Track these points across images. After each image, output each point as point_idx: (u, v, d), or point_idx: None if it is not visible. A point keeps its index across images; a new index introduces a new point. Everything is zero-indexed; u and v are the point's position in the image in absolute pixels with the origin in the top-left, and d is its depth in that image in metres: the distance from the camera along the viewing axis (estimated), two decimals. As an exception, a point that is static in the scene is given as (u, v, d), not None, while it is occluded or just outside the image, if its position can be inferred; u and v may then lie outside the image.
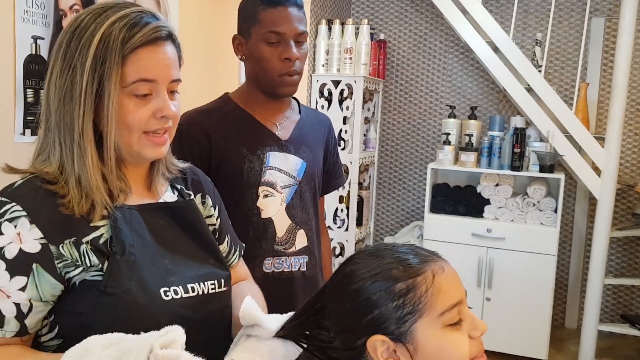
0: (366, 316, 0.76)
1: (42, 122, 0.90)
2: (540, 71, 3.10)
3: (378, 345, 0.75)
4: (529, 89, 3.06)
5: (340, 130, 3.17)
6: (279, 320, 0.89)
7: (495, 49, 3.10)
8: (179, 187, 1.03)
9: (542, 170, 3.08)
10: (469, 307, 0.78)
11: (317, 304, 0.84)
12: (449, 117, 3.44)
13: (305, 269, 1.41)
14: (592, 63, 3.45)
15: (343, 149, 3.17)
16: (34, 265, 0.82)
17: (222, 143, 1.34)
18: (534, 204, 3.14)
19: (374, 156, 3.70)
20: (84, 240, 0.85)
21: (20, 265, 0.82)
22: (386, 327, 0.75)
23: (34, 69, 1.75)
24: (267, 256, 1.36)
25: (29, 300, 0.82)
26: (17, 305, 0.82)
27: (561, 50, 3.51)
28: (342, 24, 3.21)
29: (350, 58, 3.17)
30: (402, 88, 3.83)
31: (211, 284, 0.96)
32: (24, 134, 1.74)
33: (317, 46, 3.23)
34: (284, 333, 0.86)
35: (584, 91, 3.24)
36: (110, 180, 0.89)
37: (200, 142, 1.34)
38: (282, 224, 1.38)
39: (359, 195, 3.37)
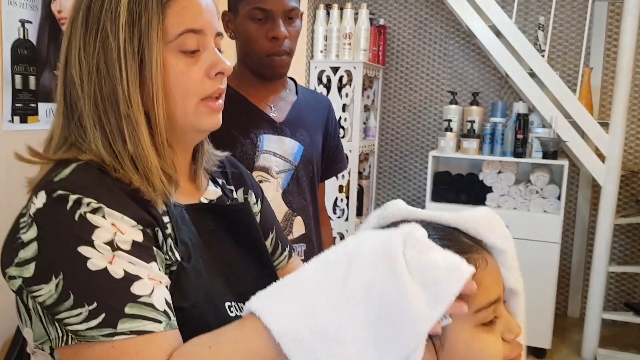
0: None
1: (60, 108, 0.75)
2: (543, 56, 3.05)
3: None
4: (532, 74, 3.01)
5: (340, 118, 3.11)
6: None
7: (497, 34, 3.05)
8: (220, 181, 0.90)
9: (545, 156, 3.03)
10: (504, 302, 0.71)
11: None
12: (450, 103, 3.39)
13: (303, 258, 1.36)
14: (595, 47, 3.39)
15: (342, 137, 3.12)
16: (155, 250, 0.68)
17: None
18: (537, 192, 3.10)
19: (374, 144, 3.64)
20: (167, 232, 0.71)
21: (144, 250, 0.66)
22: None
23: (22, 54, 1.70)
24: None
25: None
26: (167, 287, 0.68)
27: (564, 34, 3.45)
28: (341, 8, 3.16)
29: (350, 43, 3.11)
30: (403, 74, 3.77)
31: None
32: (12, 122, 1.69)
33: (315, 31, 3.17)
34: None
35: (588, 76, 3.18)
36: (163, 167, 0.73)
37: None
38: (278, 210, 1.32)
39: (359, 185, 3.33)
